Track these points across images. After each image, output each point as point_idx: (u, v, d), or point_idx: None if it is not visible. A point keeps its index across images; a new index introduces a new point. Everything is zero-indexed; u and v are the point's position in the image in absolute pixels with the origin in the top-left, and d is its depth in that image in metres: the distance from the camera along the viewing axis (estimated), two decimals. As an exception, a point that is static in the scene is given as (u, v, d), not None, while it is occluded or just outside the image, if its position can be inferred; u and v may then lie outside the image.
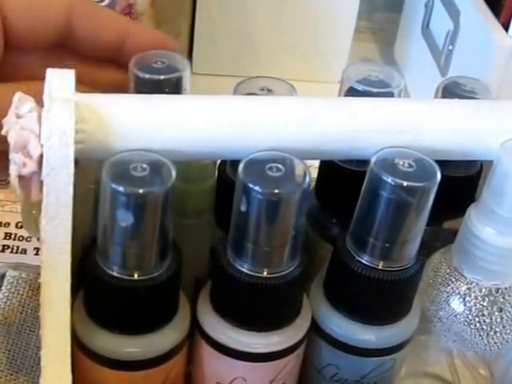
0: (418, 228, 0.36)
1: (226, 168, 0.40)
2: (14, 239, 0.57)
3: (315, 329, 0.39)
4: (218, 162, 0.42)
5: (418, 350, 0.42)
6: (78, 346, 0.36)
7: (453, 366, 0.45)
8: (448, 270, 0.40)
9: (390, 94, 0.40)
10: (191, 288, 0.41)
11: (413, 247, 0.36)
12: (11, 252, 0.56)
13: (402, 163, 0.35)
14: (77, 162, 0.32)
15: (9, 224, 0.58)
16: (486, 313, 0.39)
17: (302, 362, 0.41)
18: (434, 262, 0.41)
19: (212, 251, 0.39)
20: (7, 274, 0.51)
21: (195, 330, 0.38)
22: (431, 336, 0.41)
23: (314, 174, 0.45)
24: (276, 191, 0.33)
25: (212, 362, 0.38)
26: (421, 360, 0.43)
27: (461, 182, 0.43)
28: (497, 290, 0.39)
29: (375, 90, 0.40)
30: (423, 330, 0.41)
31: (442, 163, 0.38)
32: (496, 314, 0.39)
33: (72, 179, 0.32)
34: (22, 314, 0.50)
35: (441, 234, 0.43)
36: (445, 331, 0.40)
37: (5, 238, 0.57)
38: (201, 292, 0.39)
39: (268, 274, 0.35)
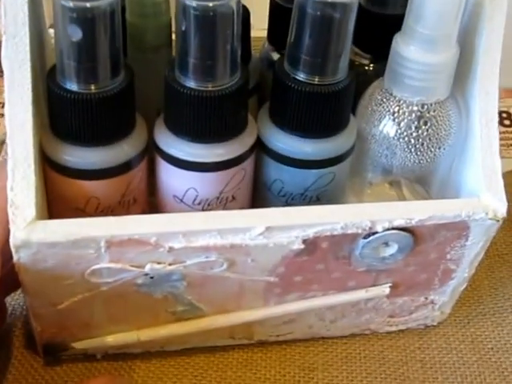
0: (345, 43, 0.40)
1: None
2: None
3: (262, 148, 0.44)
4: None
5: (357, 170, 0.46)
6: (47, 162, 0.41)
7: (401, 196, 0.50)
8: (380, 93, 0.44)
9: None
10: (154, 120, 0.45)
11: (343, 63, 0.40)
12: None
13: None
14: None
15: None
16: (413, 127, 0.43)
17: (253, 182, 0.45)
18: (370, 90, 0.45)
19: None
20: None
21: (154, 149, 0.43)
22: (367, 156, 0.45)
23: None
24: (210, 4, 0.37)
25: (167, 176, 0.43)
26: (361, 179, 0.47)
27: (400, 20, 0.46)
28: (422, 106, 0.43)
29: None
30: (361, 152, 0.45)
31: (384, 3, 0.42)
32: (422, 127, 0.43)
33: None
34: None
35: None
36: (378, 147, 0.44)
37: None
38: (159, 116, 0.43)
39: (212, 87, 0.39)
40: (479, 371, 0.48)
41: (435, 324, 0.51)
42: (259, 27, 0.51)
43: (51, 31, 0.42)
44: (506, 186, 0.43)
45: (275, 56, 0.50)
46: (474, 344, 0.50)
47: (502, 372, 0.48)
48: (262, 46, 0.52)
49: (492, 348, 0.50)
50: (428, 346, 0.50)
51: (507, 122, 0.71)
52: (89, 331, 0.45)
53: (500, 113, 0.69)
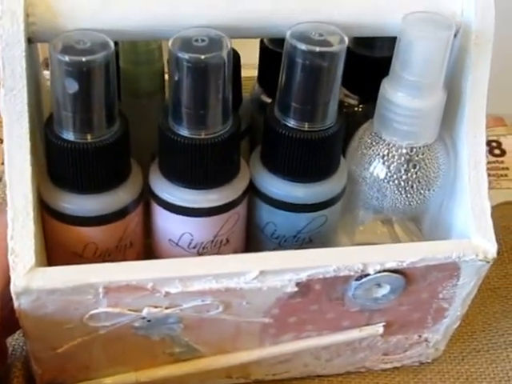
0: (334, 90, 0.41)
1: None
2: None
3: (255, 192, 0.45)
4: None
5: (348, 210, 0.47)
6: (45, 209, 0.42)
7: (393, 233, 0.51)
8: (370, 136, 0.45)
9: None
10: (148, 164, 0.47)
11: (332, 109, 0.41)
12: None
13: (313, 34, 0.40)
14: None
15: None
16: (402, 170, 0.44)
17: (247, 225, 0.46)
18: (360, 133, 0.46)
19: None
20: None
21: (149, 195, 0.44)
22: (358, 197, 0.46)
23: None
24: (202, 57, 0.38)
25: (162, 221, 0.44)
26: (353, 219, 0.48)
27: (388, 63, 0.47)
28: (411, 149, 0.44)
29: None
30: (352, 193, 0.46)
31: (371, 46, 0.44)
32: (412, 170, 0.44)
33: (24, 53, 0.38)
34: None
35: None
36: (369, 189, 0.45)
37: None
38: (153, 162, 0.44)
39: (205, 135, 0.40)
40: (474, 408, 0.49)
41: (430, 361, 0.52)
42: (249, 63, 0.52)
43: (46, 73, 0.43)
44: (497, 218, 0.43)
45: (265, 98, 0.51)
46: (469, 381, 0.51)
47: (497, 409, 0.49)
48: (252, 87, 0.53)
49: (487, 385, 0.51)
50: (423, 384, 0.51)
51: (497, 152, 0.70)
52: (88, 373, 0.46)
53: (490, 142, 0.68)
